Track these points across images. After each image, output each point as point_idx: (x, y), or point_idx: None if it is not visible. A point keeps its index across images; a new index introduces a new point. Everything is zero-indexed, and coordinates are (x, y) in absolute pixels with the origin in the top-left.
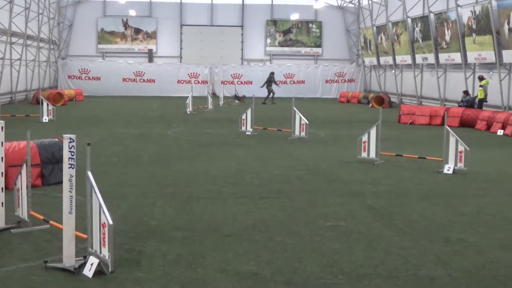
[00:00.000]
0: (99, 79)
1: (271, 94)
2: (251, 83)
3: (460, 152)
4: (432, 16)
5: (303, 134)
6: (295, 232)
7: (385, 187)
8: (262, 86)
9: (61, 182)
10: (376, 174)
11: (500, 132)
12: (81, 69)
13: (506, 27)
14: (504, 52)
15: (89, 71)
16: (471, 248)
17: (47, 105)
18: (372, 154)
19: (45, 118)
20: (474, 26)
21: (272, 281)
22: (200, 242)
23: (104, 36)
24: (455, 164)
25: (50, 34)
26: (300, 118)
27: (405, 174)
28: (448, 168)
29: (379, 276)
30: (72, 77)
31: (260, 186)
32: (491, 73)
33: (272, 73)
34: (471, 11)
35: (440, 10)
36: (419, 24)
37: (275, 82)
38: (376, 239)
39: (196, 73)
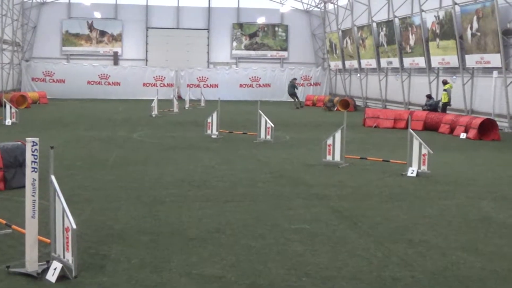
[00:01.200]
0: (64, 82)
1: (297, 99)
2: (217, 86)
3: (423, 155)
4: (396, 20)
5: (268, 137)
6: (260, 235)
7: (349, 190)
8: (291, 94)
9: (24, 186)
10: (341, 177)
11: (463, 135)
12: (45, 71)
13: (469, 32)
14: (467, 56)
15: (53, 73)
16: (434, 249)
17: (10, 107)
18: (337, 157)
19: (8, 121)
20: (438, 31)
21: (237, 284)
22: (165, 245)
23: (69, 39)
24: (419, 167)
25: (14, 35)
26: (266, 121)
27: (370, 177)
28: (412, 171)
29: (343, 278)
30: (36, 79)
31: (225, 190)
32: (454, 77)
33: (294, 79)
34: (435, 16)
35: (404, 15)
36: (384, 29)
37: (296, 87)
38: (340, 241)
39: (162, 76)
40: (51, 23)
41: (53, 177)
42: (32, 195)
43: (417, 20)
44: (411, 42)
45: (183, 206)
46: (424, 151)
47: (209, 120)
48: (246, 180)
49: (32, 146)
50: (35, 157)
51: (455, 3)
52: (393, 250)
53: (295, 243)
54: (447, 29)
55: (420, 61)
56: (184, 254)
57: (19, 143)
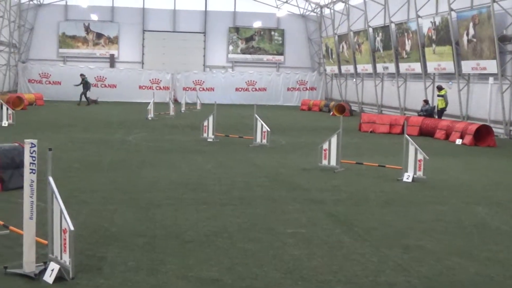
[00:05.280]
0: (60, 84)
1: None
2: (213, 90)
3: (419, 161)
4: (393, 26)
5: (264, 141)
6: (256, 238)
7: (345, 194)
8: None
9: (21, 188)
10: (336, 182)
11: (458, 141)
12: (42, 73)
13: (465, 38)
14: (463, 62)
15: (50, 75)
16: (429, 254)
17: (7, 109)
18: (333, 162)
19: (5, 123)
20: (434, 37)
21: (233, 287)
22: (161, 248)
23: (66, 41)
24: (414, 172)
25: (11, 37)
26: (262, 125)
27: (365, 182)
28: (408, 176)
29: (338, 283)
30: (33, 81)
31: (221, 193)
32: (450, 83)
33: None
34: (431, 22)
35: (401, 21)
36: (380, 34)
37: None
38: (336, 245)
39: (158, 79)
40: (48, 25)
41: (51, 179)
42: (30, 197)
43: (413, 26)
44: (407, 47)
45: (179, 209)
46: (419, 156)
47: (205, 123)
48: (242, 184)
49: (31, 147)
50: (34, 158)
51: (452, 9)
52: (389, 255)
53: (291, 247)
54: (443, 35)
55: (416, 67)
56: (181, 257)
57: (16, 144)
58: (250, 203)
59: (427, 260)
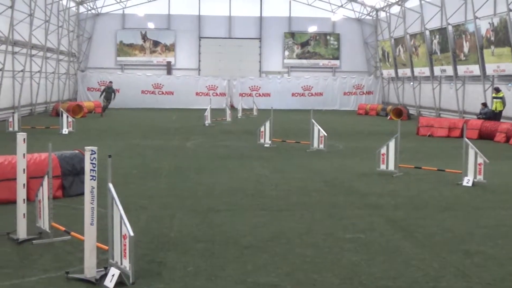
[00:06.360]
0: (118, 91)
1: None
2: (269, 95)
3: (479, 165)
4: (450, 28)
5: (321, 146)
6: (314, 244)
7: (404, 199)
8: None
9: (82, 194)
10: (395, 187)
11: None
12: (100, 81)
13: None
14: None
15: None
16: (491, 260)
17: (67, 117)
18: (391, 167)
19: (65, 130)
20: (492, 38)
21: None
22: (220, 254)
23: (123, 49)
24: (474, 177)
25: (70, 46)
26: (319, 130)
27: (424, 187)
28: (467, 181)
29: None
30: (91, 89)
31: (279, 198)
32: (510, 85)
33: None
34: (489, 23)
35: (458, 22)
36: (437, 36)
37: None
38: (396, 251)
39: (214, 86)
40: (106, 33)
41: (111, 185)
42: (91, 203)
43: (471, 27)
44: (465, 49)
45: (237, 214)
46: (479, 160)
47: (262, 129)
48: (299, 189)
49: (91, 154)
50: (94, 165)
51: (510, 10)
52: (449, 260)
53: (350, 253)
54: (502, 36)
55: (475, 69)
56: (239, 262)
57: (77, 151)
58: (307, 209)
59: (488, 266)
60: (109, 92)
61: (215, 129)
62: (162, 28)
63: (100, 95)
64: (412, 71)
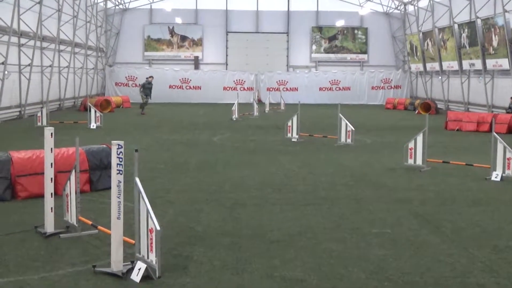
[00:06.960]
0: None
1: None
2: (297, 90)
3: (508, 159)
4: (479, 21)
5: (349, 140)
6: (341, 238)
7: (432, 194)
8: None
9: (109, 188)
10: (422, 181)
11: None
12: (128, 76)
13: None
14: None
15: (136, 78)
16: None
17: (95, 112)
18: (419, 161)
19: (93, 125)
20: None
21: None
22: (246, 248)
23: (151, 44)
24: (503, 171)
25: (98, 41)
26: (346, 124)
27: (452, 181)
28: (496, 175)
29: (426, 284)
30: (119, 84)
31: (306, 193)
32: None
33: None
34: None
35: (487, 16)
36: (465, 30)
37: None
38: (423, 246)
39: (242, 80)
40: (133, 28)
41: (137, 179)
42: (118, 197)
43: (500, 21)
44: (494, 43)
45: (264, 209)
46: (508, 155)
47: (289, 123)
48: (326, 184)
49: (118, 149)
50: (120, 159)
51: None
52: (478, 255)
53: (377, 247)
54: None
55: (504, 63)
56: (266, 257)
57: (104, 146)
58: (334, 203)
59: None
60: (149, 87)
61: (242, 123)
62: (190, 23)
63: (140, 91)
64: (441, 65)
